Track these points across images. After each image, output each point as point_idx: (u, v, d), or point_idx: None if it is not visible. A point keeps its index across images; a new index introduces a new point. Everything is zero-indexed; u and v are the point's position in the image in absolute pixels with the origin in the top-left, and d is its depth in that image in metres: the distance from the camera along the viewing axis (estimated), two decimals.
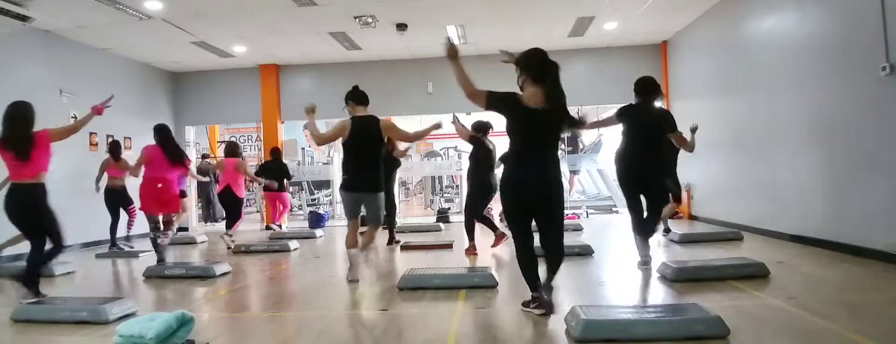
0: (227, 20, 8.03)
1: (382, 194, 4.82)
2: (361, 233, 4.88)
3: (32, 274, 4.32)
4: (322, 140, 4.89)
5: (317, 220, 10.35)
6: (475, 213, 6.23)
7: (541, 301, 3.41)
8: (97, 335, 3.38)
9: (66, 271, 5.81)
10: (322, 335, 3.25)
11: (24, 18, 6.96)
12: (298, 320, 3.64)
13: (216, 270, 5.32)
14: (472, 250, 6.09)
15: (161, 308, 4.15)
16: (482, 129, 6.15)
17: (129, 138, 9.30)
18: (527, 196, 3.42)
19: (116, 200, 7.36)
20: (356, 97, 4.83)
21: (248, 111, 11.15)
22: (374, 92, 10.73)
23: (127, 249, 7.46)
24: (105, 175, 7.35)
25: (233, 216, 7.46)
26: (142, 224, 6.92)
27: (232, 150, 7.62)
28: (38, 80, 7.71)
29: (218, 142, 15.01)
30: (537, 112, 3.35)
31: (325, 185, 13.58)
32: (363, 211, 4.82)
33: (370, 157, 4.69)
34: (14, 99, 4.36)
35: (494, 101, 3.42)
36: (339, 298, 4.44)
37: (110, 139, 7.98)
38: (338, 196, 12.70)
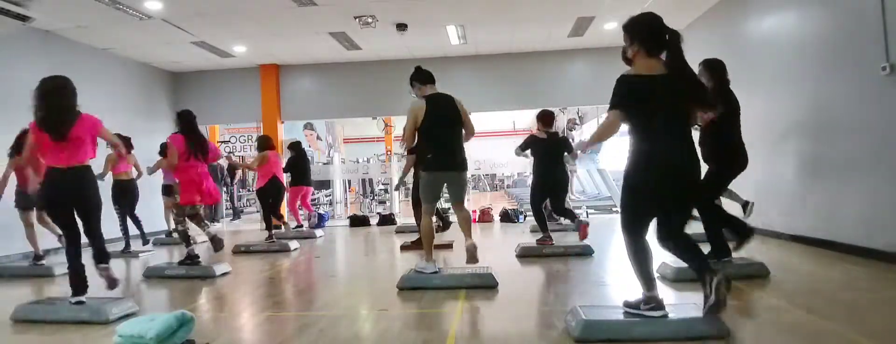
0: (227, 20, 8.03)
1: (466, 173, 4.57)
2: (441, 221, 4.72)
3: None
4: (410, 134, 4.50)
5: (317, 220, 10.33)
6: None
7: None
8: (97, 335, 3.39)
9: (65, 271, 5.76)
10: (322, 335, 3.25)
11: (24, 18, 6.97)
12: (298, 320, 3.64)
13: (216, 270, 5.33)
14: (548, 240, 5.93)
15: (161, 308, 4.16)
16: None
17: (129, 138, 9.28)
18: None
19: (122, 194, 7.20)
20: (421, 77, 4.55)
21: (248, 111, 11.15)
22: (375, 92, 10.99)
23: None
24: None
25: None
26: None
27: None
28: (39, 80, 7.67)
29: (218, 142, 15.00)
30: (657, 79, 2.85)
31: (325, 185, 13.58)
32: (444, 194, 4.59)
33: (454, 134, 4.35)
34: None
35: (625, 106, 2.89)
36: (339, 298, 4.44)
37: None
38: (338, 196, 12.76)
